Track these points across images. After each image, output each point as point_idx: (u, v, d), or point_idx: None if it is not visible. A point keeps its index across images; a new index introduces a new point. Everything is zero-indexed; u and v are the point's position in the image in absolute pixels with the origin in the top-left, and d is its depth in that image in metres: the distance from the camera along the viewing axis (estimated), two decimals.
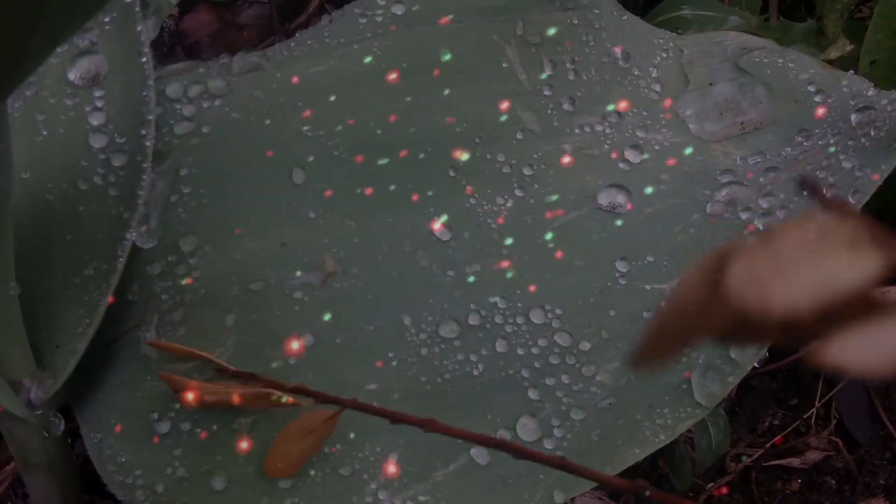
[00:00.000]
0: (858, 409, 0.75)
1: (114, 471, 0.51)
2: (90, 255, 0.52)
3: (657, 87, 0.60)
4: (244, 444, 0.50)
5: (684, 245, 0.54)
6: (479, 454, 0.49)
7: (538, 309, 0.52)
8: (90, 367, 0.53)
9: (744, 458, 0.72)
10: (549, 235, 0.54)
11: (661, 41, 0.62)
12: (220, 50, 0.81)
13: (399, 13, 0.59)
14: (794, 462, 0.72)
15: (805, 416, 0.74)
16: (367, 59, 0.58)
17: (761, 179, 0.55)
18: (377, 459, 0.49)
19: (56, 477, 0.57)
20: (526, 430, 0.50)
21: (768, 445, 0.73)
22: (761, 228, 0.53)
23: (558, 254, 0.54)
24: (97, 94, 0.55)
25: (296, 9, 0.87)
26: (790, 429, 0.74)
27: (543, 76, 0.58)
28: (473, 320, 0.52)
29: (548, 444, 0.49)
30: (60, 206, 0.53)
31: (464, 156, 0.56)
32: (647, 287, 0.53)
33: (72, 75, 0.55)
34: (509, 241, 0.54)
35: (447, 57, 0.58)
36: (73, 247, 0.53)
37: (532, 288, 0.53)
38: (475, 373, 0.51)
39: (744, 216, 0.54)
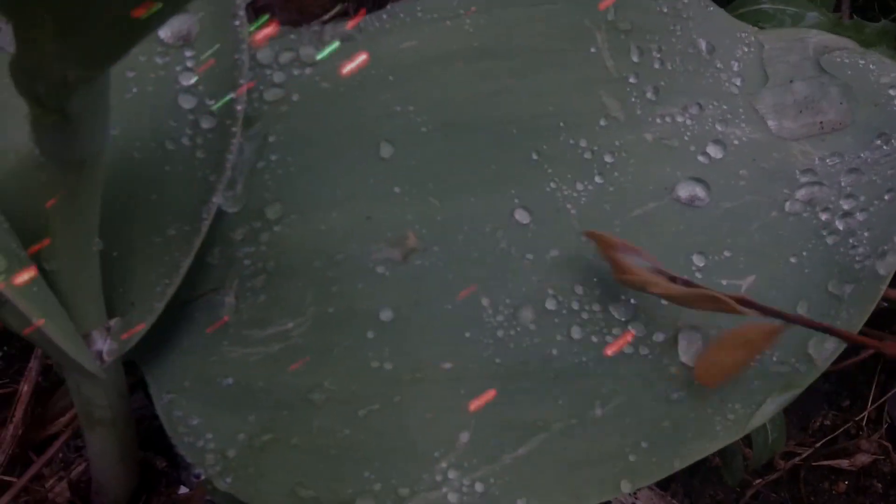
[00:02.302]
0: None
1: (184, 432, 0.51)
2: (174, 216, 0.52)
3: (738, 81, 0.60)
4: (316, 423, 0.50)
5: (762, 242, 0.54)
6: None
7: (614, 298, 0.52)
8: (161, 326, 0.53)
9: (794, 456, 0.72)
10: (627, 224, 0.54)
11: (744, 35, 0.62)
12: (291, 12, 0.81)
13: None
14: (843, 463, 0.72)
15: (856, 419, 0.74)
16: (459, 37, 0.58)
17: (841, 181, 0.55)
18: (449, 437, 0.49)
19: (117, 433, 0.57)
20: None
21: (818, 445, 0.73)
22: (840, 229, 0.53)
23: (636, 244, 0.54)
24: (188, 54, 0.54)
25: None
26: (841, 430, 0.74)
27: (630, 64, 0.58)
28: (550, 305, 0.52)
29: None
30: (147, 165, 0.53)
31: (547, 140, 0.56)
32: (724, 282, 0.53)
33: (163, 33, 0.54)
34: (588, 227, 0.54)
35: (538, 40, 0.58)
36: (157, 206, 0.52)
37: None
38: (549, 358, 0.51)
39: (823, 216, 0.54)
